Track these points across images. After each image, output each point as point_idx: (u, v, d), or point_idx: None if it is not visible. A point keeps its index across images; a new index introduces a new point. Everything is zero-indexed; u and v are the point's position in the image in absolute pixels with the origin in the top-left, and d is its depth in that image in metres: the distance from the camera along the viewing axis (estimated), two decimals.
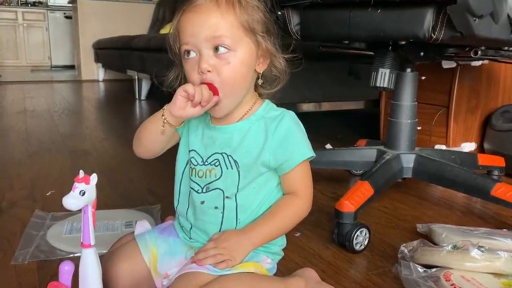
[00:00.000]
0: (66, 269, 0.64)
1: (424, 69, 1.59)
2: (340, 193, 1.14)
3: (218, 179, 0.73)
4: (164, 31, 4.12)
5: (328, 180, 1.52)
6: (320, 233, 1.09)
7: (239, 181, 0.72)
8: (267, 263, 0.76)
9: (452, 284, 0.78)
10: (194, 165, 0.75)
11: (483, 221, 1.19)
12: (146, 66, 3.35)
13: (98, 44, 4.96)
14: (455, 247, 0.87)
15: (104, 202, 1.26)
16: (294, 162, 0.72)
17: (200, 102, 0.66)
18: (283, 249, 0.82)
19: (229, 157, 0.73)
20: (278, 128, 0.72)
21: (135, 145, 0.77)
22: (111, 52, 4.43)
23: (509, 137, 1.53)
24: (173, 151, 0.80)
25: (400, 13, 0.98)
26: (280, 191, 0.76)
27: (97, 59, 5.15)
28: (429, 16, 0.94)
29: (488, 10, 0.89)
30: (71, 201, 0.60)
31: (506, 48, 1.13)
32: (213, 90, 0.67)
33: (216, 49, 0.67)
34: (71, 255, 0.95)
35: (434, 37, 0.94)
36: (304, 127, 0.76)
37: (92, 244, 0.65)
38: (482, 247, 0.84)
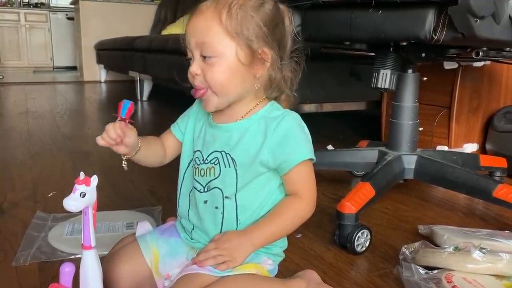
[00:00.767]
0: (67, 270, 0.64)
1: (425, 70, 1.59)
2: (342, 194, 1.14)
3: (217, 177, 0.73)
4: (165, 32, 4.12)
5: (329, 181, 1.51)
6: (321, 235, 1.08)
7: (237, 180, 0.72)
8: (268, 264, 0.76)
9: (454, 286, 0.78)
10: (198, 164, 0.76)
11: (485, 223, 1.18)
12: (148, 67, 3.36)
13: (100, 45, 4.98)
14: (456, 248, 0.86)
15: (105, 203, 1.26)
16: (293, 163, 0.71)
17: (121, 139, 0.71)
18: (284, 251, 0.81)
19: (227, 155, 0.73)
20: (278, 128, 0.72)
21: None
22: (113, 53, 4.44)
23: (511, 138, 1.53)
24: None
25: (401, 14, 0.98)
26: (283, 192, 0.76)
27: (99, 60, 5.16)
28: (430, 17, 0.94)
29: (489, 11, 0.89)
30: (71, 202, 0.60)
31: (507, 49, 1.13)
32: (129, 108, 0.70)
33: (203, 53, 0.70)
34: (72, 257, 0.95)
35: (435, 38, 0.94)
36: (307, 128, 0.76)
37: (92, 246, 0.65)
38: (483, 248, 0.84)
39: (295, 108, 0.79)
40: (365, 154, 1.34)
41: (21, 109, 3.17)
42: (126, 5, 5.42)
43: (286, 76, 0.76)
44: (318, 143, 1.91)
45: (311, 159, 0.73)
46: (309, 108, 2.13)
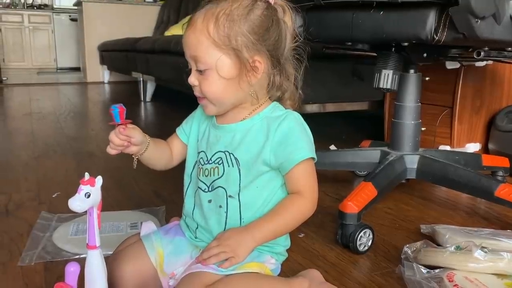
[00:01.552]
0: (72, 270, 0.65)
1: (428, 70, 1.59)
2: (344, 194, 1.14)
3: (221, 177, 0.74)
4: (168, 33, 4.13)
5: (332, 181, 1.52)
6: (324, 234, 1.09)
7: (240, 180, 0.73)
8: (271, 263, 0.77)
9: (455, 285, 0.79)
10: (202, 164, 0.77)
11: (487, 222, 1.19)
12: (151, 68, 3.36)
13: (103, 46, 4.99)
14: (458, 248, 0.87)
15: (109, 203, 1.27)
16: (294, 162, 0.72)
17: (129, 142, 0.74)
18: (287, 250, 0.82)
19: (231, 155, 0.74)
20: (279, 127, 0.72)
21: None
22: (116, 54, 4.45)
23: None
24: None
25: (403, 15, 0.98)
26: (285, 191, 0.77)
27: (102, 61, 5.18)
28: (431, 18, 0.94)
29: (490, 12, 0.89)
30: (76, 203, 0.61)
31: (509, 48, 1.13)
32: (119, 112, 0.72)
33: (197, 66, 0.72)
34: (77, 256, 0.96)
35: (437, 38, 0.95)
36: (309, 128, 0.76)
37: (97, 246, 0.65)
38: (485, 248, 0.84)
39: (299, 107, 0.80)
40: (368, 154, 1.34)
41: (25, 110, 3.18)
42: (129, 6, 5.44)
43: (288, 72, 0.76)
44: (321, 143, 1.92)
45: (312, 158, 0.74)
46: (311, 108, 2.14)
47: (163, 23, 5.08)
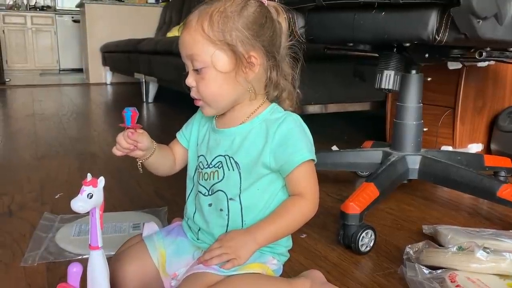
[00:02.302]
0: (74, 270, 0.65)
1: (430, 70, 1.59)
2: (346, 194, 1.14)
3: (221, 181, 0.74)
4: (171, 34, 4.14)
5: (334, 181, 1.52)
6: (325, 235, 1.09)
7: (240, 183, 0.73)
8: (273, 264, 0.77)
9: (457, 286, 0.78)
10: (201, 168, 0.77)
11: (489, 222, 1.18)
12: (153, 69, 3.37)
13: (106, 48, 5.00)
14: (460, 248, 0.87)
15: (111, 204, 1.28)
16: (294, 164, 0.72)
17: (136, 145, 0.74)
18: (288, 251, 0.82)
19: (230, 158, 0.74)
20: (278, 130, 0.73)
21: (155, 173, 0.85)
22: (119, 56, 4.46)
23: None
24: None
25: (404, 15, 0.98)
26: (286, 193, 0.77)
27: (105, 62, 5.19)
28: (433, 18, 0.94)
29: (492, 12, 0.89)
30: (79, 204, 0.61)
31: (511, 49, 1.13)
32: (131, 116, 0.73)
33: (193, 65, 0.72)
34: (80, 257, 0.96)
35: (438, 39, 0.95)
36: (310, 129, 0.76)
37: (100, 246, 0.66)
38: (487, 248, 0.84)
39: (299, 107, 0.80)
40: (370, 154, 1.34)
41: (28, 111, 3.19)
42: (132, 7, 5.45)
43: (285, 72, 0.77)
44: (323, 143, 1.92)
45: (312, 160, 0.74)
46: (313, 109, 2.14)
47: (165, 24, 5.09)
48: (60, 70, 7.83)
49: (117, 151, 0.75)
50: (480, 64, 1.57)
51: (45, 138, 2.26)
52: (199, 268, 0.70)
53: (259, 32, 0.71)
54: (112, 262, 0.74)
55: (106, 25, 5.19)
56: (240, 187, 0.73)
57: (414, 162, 1.22)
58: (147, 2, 5.79)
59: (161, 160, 0.80)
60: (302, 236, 1.07)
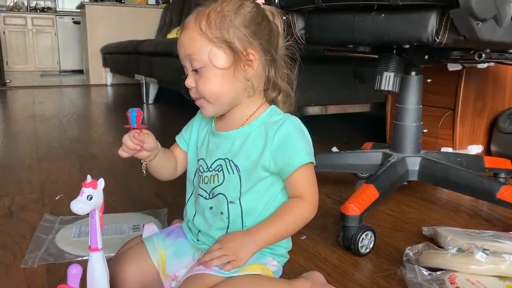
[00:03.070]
0: (74, 272, 0.65)
1: (429, 72, 1.59)
2: (346, 196, 1.14)
3: (221, 184, 0.75)
4: (171, 35, 4.15)
5: (334, 183, 1.52)
6: (325, 236, 1.09)
7: (241, 186, 0.74)
8: (273, 265, 0.77)
9: (457, 287, 0.78)
10: (201, 172, 0.77)
11: (489, 224, 1.18)
12: (153, 70, 3.38)
13: (106, 49, 5.01)
14: (460, 250, 0.87)
15: (111, 206, 1.28)
16: (293, 167, 0.72)
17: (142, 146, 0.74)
18: (288, 252, 0.82)
19: (230, 162, 0.74)
20: (277, 133, 0.73)
21: (158, 177, 0.85)
22: (119, 57, 4.47)
23: None
24: None
25: (404, 17, 0.98)
26: (286, 195, 0.77)
27: (105, 63, 5.20)
28: (432, 20, 0.94)
29: (491, 14, 0.89)
30: (78, 205, 0.62)
31: (510, 50, 1.13)
32: (136, 116, 0.73)
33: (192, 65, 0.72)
34: (79, 258, 0.96)
35: (438, 40, 0.95)
36: (310, 130, 0.76)
37: (99, 248, 0.66)
38: (487, 250, 0.84)
39: (296, 109, 0.80)
40: (369, 156, 1.34)
41: (28, 112, 3.19)
42: (132, 9, 5.46)
43: (281, 72, 0.77)
44: (323, 145, 1.93)
45: (311, 162, 0.74)
46: (313, 110, 2.14)
47: (165, 26, 5.10)
48: (60, 72, 7.84)
49: (123, 153, 0.75)
50: (480, 65, 1.57)
51: (45, 139, 2.26)
52: (199, 269, 0.70)
53: (256, 31, 0.72)
54: (112, 263, 0.74)
55: (106, 26, 5.20)
56: (240, 190, 0.74)
57: (414, 163, 1.22)
58: (147, 4, 5.80)
59: (164, 163, 0.81)
60: (302, 238, 1.07)
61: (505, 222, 1.20)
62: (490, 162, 1.40)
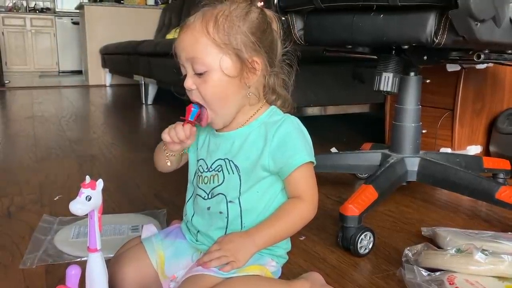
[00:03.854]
0: (73, 273, 0.65)
1: (428, 72, 1.59)
2: (345, 196, 1.14)
3: (221, 184, 0.75)
4: (170, 36, 4.15)
5: (333, 183, 1.52)
6: (324, 237, 1.09)
7: (240, 186, 0.74)
8: (272, 266, 0.77)
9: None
10: (201, 172, 0.77)
11: (488, 224, 1.18)
12: (152, 71, 3.38)
13: (105, 50, 5.01)
14: (459, 250, 0.87)
15: (110, 206, 1.28)
16: (293, 166, 0.72)
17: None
18: (287, 253, 0.82)
19: (230, 162, 0.74)
20: (277, 133, 0.73)
21: (155, 165, 0.84)
22: (118, 57, 4.47)
23: None
24: None
25: (403, 18, 0.99)
26: (285, 195, 0.77)
27: (104, 64, 5.20)
28: (431, 21, 0.94)
29: (490, 14, 0.89)
30: (77, 206, 0.62)
31: (509, 51, 1.13)
32: (197, 113, 0.72)
33: (194, 69, 0.71)
34: (78, 259, 0.96)
35: (437, 41, 0.95)
36: (309, 131, 0.76)
37: (98, 249, 0.66)
38: (486, 250, 0.84)
39: (295, 110, 0.80)
40: (368, 156, 1.34)
41: (27, 113, 3.19)
42: (131, 9, 5.46)
43: (280, 78, 0.77)
44: (322, 145, 1.93)
45: (311, 162, 0.74)
46: (312, 111, 2.14)
47: (164, 26, 5.10)
48: (59, 72, 7.84)
49: (167, 137, 0.74)
50: (478, 66, 1.58)
51: (44, 140, 2.26)
52: (198, 270, 0.70)
53: (261, 38, 0.71)
54: (111, 264, 0.74)
55: (105, 27, 5.20)
56: (240, 190, 0.74)
57: (413, 164, 1.22)
58: (146, 4, 5.80)
59: (178, 158, 0.81)
60: (301, 238, 1.07)
61: (504, 222, 1.20)
62: (489, 163, 1.40)
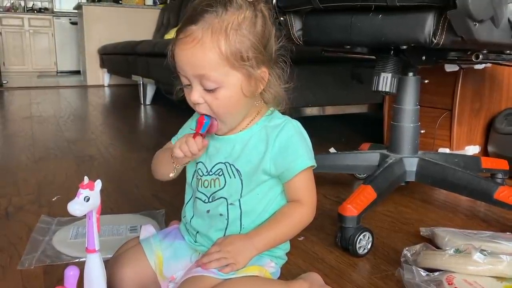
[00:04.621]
0: (71, 274, 0.65)
1: (427, 73, 1.58)
2: (344, 197, 1.14)
3: (222, 188, 0.74)
4: (168, 36, 4.14)
5: (331, 183, 1.52)
6: (323, 237, 1.09)
7: (242, 189, 0.74)
8: (271, 267, 0.77)
9: None
10: (200, 175, 0.77)
11: (487, 225, 1.19)
12: (151, 71, 3.37)
13: (104, 50, 5.00)
14: (457, 250, 0.87)
15: (109, 207, 1.27)
16: (294, 171, 0.73)
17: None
18: (286, 253, 0.82)
19: (231, 166, 0.74)
20: (278, 137, 0.73)
21: (153, 172, 0.82)
22: (116, 58, 4.46)
23: None
24: None
25: (401, 18, 0.99)
26: (285, 198, 0.77)
27: (103, 64, 5.19)
28: (430, 21, 0.94)
29: (488, 15, 0.89)
30: (75, 207, 0.61)
31: (507, 51, 1.13)
32: (209, 125, 0.70)
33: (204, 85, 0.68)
34: (77, 260, 0.96)
35: (435, 41, 0.95)
36: (308, 131, 0.77)
37: (96, 249, 0.66)
38: (484, 250, 0.84)
39: (293, 110, 0.79)
40: (367, 156, 1.34)
41: (25, 113, 3.19)
42: (129, 9, 5.45)
43: (275, 75, 0.75)
44: (320, 146, 1.92)
45: (312, 166, 0.75)
46: (311, 111, 2.14)
47: (163, 26, 5.09)
48: (57, 72, 7.83)
49: (180, 153, 0.70)
50: (477, 66, 1.58)
51: (42, 140, 2.26)
52: (197, 271, 0.70)
53: (266, 46, 0.70)
54: (109, 265, 0.74)
55: (104, 27, 5.19)
56: (241, 193, 0.74)
57: (411, 164, 1.22)
58: (144, 4, 5.79)
59: (182, 168, 0.79)
60: (299, 239, 1.07)
61: (503, 222, 1.20)
62: (487, 163, 1.41)
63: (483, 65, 1.58)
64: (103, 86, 5.33)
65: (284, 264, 0.82)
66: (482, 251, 0.83)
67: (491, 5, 0.89)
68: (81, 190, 0.62)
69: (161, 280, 0.75)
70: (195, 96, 0.69)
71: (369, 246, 1.01)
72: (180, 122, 0.86)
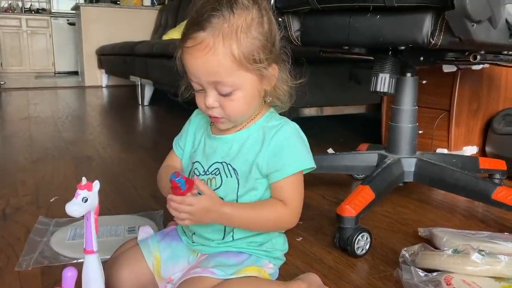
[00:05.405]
0: (69, 275, 0.65)
1: (425, 73, 1.59)
2: (342, 197, 1.14)
3: (219, 187, 0.74)
4: (166, 37, 4.14)
5: (330, 184, 1.52)
6: (321, 238, 1.09)
7: (238, 189, 0.73)
8: (269, 267, 0.77)
9: None
10: (197, 175, 0.77)
11: (485, 225, 1.19)
12: (149, 72, 3.37)
13: (102, 50, 5.00)
14: (456, 251, 0.87)
15: (107, 208, 1.27)
16: (284, 174, 0.72)
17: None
18: (284, 254, 0.82)
19: (228, 165, 0.74)
20: (274, 138, 0.72)
21: (159, 186, 0.82)
22: (114, 58, 4.46)
23: (510, 140, 1.53)
24: None
25: (399, 19, 0.99)
26: None
27: (101, 65, 5.19)
28: (427, 22, 0.95)
29: (486, 15, 0.89)
30: (73, 208, 0.61)
31: (505, 52, 1.13)
32: (189, 182, 0.67)
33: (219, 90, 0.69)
34: (75, 261, 0.96)
35: (433, 42, 0.95)
36: (306, 132, 0.76)
37: (94, 250, 0.66)
38: (482, 251, 0.84)
39: (291, 110, 0.80)
40: (365, 157, 1.34)
41: (23, 114, 3.18)
42: (127, 10, 5.45)
43: (286, 70, 0.76)
44: (319, 146, 1.93)
45: (310, 167, 0.74)
46: (309, 111, 2.14)
47: (161, 27, 5.09)
48: (55, 73, 7.81)
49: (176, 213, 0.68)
50: (474, 67, 1.58)
51: (40, 141, 2.25)
52: (195, 272, 0.70)
53: (274, 43, 0.71)
54: (107, 266, 0.74)
55: (102, 27, 5.18)
56: (237, 193, 0.74)
57: (409, 164, 1.22)
58: (142, 5, 5.79)
59: None
60: (298, 239, 1.07)
61: (501, 223, 1.20)
62: (485, 163, 1.41)
63: (481, 66, 1.59)
64: (101, 87, 5.32)
65: (282, 264, 0.82)
66: (480, 251, 0.83)
67: (488, 6, 0.89)
68: (79, 191, 0.62)
69: (159, 281, 0.75)
70: (210, 101, 0.69)
71: (367, 247, 1.01)
72: (178, 123, 0.86)
